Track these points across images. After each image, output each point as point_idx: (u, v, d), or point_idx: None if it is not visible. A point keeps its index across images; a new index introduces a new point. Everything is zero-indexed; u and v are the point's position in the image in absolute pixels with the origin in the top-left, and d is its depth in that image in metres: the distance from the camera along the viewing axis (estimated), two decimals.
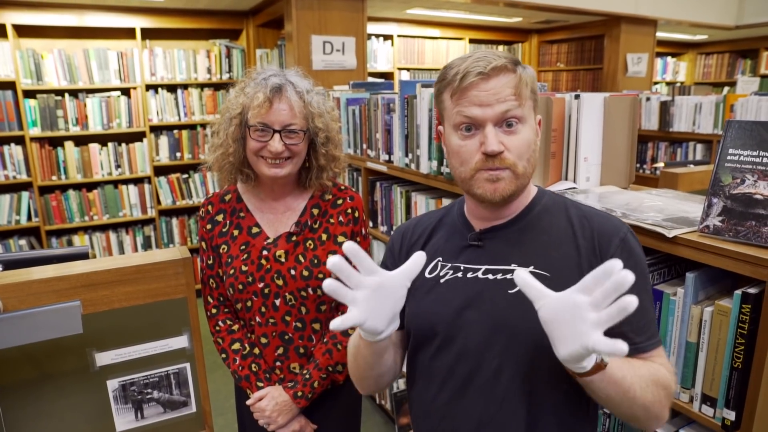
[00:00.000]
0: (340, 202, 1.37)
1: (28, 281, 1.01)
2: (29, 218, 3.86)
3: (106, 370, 1.10)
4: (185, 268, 1.13)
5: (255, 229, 1.34)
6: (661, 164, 3.95)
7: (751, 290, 1.00)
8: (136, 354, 1.12)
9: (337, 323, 0.77)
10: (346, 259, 0.81)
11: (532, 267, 0.88)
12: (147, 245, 4.30)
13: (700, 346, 1.11)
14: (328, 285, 0.77)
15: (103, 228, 4.16)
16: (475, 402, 0.90)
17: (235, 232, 1.34)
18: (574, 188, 1.55)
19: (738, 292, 1.02)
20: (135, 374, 1.13)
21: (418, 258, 0.83)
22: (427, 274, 0.98)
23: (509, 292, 0.88)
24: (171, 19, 4.08)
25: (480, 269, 0.92)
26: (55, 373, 1.06)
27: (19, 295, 1.00)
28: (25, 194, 3.82)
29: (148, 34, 4.10)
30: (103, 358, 1.10)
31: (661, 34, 5.97)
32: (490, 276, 0.91)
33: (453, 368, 0.92)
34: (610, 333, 0.76)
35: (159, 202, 4.28)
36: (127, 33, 4.00)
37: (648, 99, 4.48)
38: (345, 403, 1.44)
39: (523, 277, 0.75)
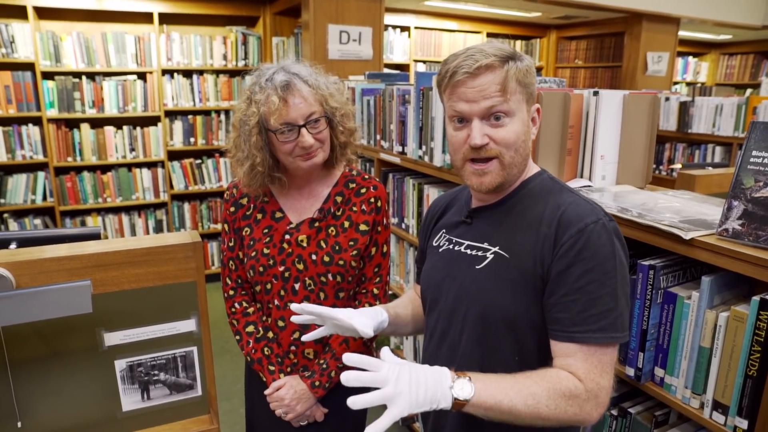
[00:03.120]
0: (363, 190, 1.37)
1: (41, 259, 1.01)
2: (44, 198, 3.90)
3: (114, 350, 1.11)
4: (195, 252, 1.13)
5: (278, 214, 1.36)
6: (678, 165, 3.89)
7: None
8: (144, 335, 1.13)
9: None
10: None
11: (498, 248, 0.98)
12: (159, 229, 4.33)
13: (714, 351, 1.08)
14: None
15: (116, 210, 4.19)
16: (446, 355, 1.05)
17: (259, 216, 1.37)
18: (589, 186, 1.53)
19: (756, 298, 1.00)
20: (142, 355, 1.13)
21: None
22: (433, 243, 1.14)
23: (476, 267, 0.99)
24: (188, 4, 4.08)
25: (464, 244, 1.04)
26: (64, 351, 1.07)
27: (31, 272, 1.01)
28: (41, 174, 3.86)
29: (166, 19, 4.10)
30: (112, 338, 1.10)
31: (683, 33, 5.87)
32: (469, 251, 1.02)
33: (435, 326, 1.08)
34: (547, 318, 0.92)
35: (172, 187, 4.30)
36: (145, 17, 4.01)
37: (667, 99, 4.40)
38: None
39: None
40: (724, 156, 4.14)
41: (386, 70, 4.24)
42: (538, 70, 6.35)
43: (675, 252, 1.12)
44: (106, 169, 4.08)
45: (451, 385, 0.82)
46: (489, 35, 5.83)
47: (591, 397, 0.86)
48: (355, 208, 1.36)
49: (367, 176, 1.41)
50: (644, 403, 1.31)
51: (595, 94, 1.48)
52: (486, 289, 0.97)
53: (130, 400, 1.14)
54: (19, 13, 3.61)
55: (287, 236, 1.33)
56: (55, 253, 1.03)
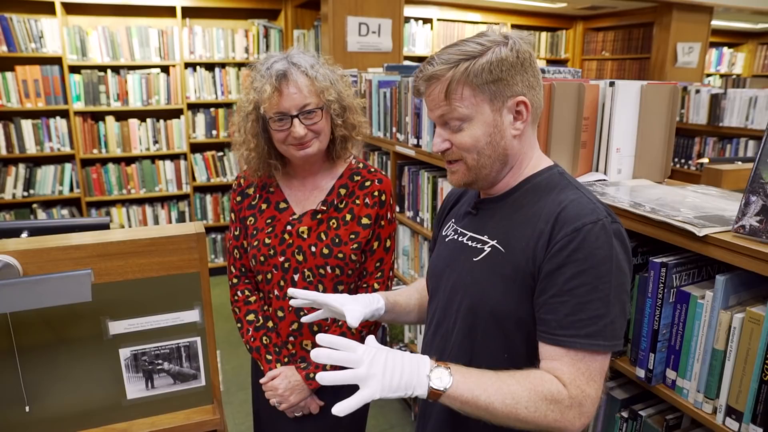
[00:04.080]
0: (368, 183, 1.36)
1: (47, 248, 1.03)
2: (71, 189, 4.00)
3: (118, 339, 1.12)
4: (199, 243, 1.13)
5: (282, 205, 1.37)
6: (705, 160, 3.75)
7: None
8: (147, 325, 1.14)
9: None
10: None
11: (496, 241, 0.96)
12: (181, 220, 4.40)
13: (728, 354, 1.04)
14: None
15: (140, 202, 4.28)
16: (439, 346, 1.05)
17: (263, 206, 1.38)
18: (604, 180, 1.48)
19: None
20: (146, 345, 1.14)
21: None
22: (442, 233, 1.13)
23: (473, 259, 0.98)
24: None
25: (467, 235, 1.03)
26: (70, 339, 1.09)
27: (38, 261, 1.02)
28: (68, 166, 3.96)
29: (188, 12, 4.14)
30: (116, 327, 1.12)
31: (717, 23, 5.65)
32: (470, 243, 1.01)
33: (433, 315, 1.08)
34: (536, 318, 0.90)
35: (194, 179, 4.36)
36: (168, 11, 4.05)
37: (698, 91, 4.25)
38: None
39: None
40: (758, 150, 3.97)
41: (407, 63, 4.20)
42: (564, 62, 6.21)
43: (689, 249, 1.08)
44: (130, 161, 4.16)
45: (428, 374, 0.81)
46: (513, 27, 5.72)
47: (574, 404, 0.82)
48: (358, 201, 1.35)
49: (373, 169, 1.39)
50: (656, 406, 1.27)
51: (611, 84, 1.43)
52: (479, 282, 0.96)
53: (135, 389, 1.16)
54: (48, 8, 3.70)
55: (289, 227, 1.34)
56: (60, 243, 1.05)
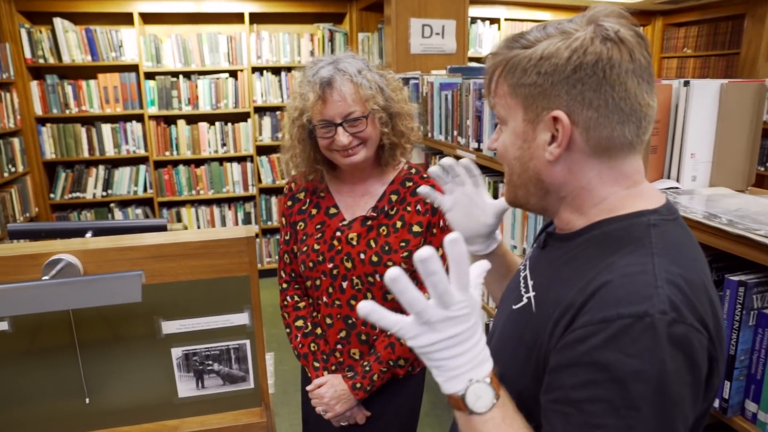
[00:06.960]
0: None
1: (106, 249, 1.08)
2: (145, 189, 4.24)
3: (171, 339, 1.15)
4: (249, 247, 1.14)
5: (332, 210, 1.36)
6: None
7: None
8: (198, 326, 1.16)
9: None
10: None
11: (534, 294, 0.77)
12: (247, 221, 4.54)
13: None
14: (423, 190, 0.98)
15: (208, 202, 4.45)
16: None
17: (314, 211, 1.37)
18: (676, 188, 1.36)
19: None
20: (197, 345, 1.17)
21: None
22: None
23: (513, 307, 0.81)
24: (278, 3, 4.22)
25: (526, 271, 0.84)
26: (126, 337, 1.13)
27: (97, 261, 1.07)
28: (142, 167, 4.20)
29: (256, 18, 4.27)
30: (169, 327, 1.15)
31: None
32: (522, 283, 0.82)
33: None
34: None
35: (260, 181, 4.49)
36: (237, 18, 4.20)
37: None
38: (405, 396, 1.41)
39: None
40: None
41: (472, 65, 4.12)
42: None
43: None
44: (199, 163, 4.34)
45: (475, 378, 0.63)
46: None
47: None
48: (409, 208, 1.31)
49: (425, 175, 1.35)
50: None
51: (686, 84, 1.31)
52: (504, 341, 0.80)
53: (186, 387, 1.18)
54: (127, 19, 3.94)
55: (338, 233, 1.32)
56: (118, 243, 1.09)
